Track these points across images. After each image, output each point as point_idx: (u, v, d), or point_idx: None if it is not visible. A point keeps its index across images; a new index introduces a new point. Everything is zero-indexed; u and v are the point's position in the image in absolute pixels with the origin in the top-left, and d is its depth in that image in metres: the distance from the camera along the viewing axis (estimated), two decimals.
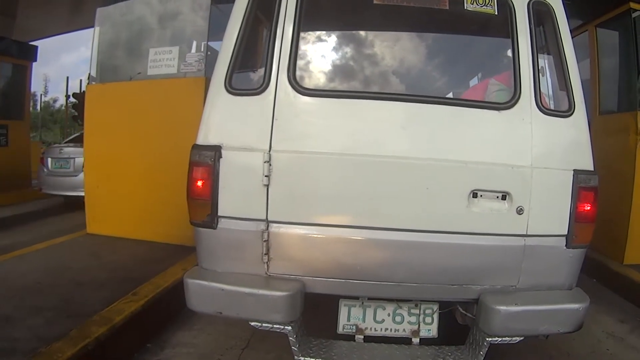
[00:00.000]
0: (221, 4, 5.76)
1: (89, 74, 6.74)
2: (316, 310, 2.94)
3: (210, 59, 5.73)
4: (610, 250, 5.75)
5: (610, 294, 5.23)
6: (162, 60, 5.83)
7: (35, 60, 11.03)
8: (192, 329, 4.01)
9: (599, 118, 6.19)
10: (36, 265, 4.78)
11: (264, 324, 2.67)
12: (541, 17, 2.92)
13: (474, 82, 3.55)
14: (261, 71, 2.79)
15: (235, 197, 2.70)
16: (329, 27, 3.28)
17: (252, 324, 2.69)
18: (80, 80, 15.65)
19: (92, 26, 6.57)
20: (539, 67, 2.81)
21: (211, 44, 5.90)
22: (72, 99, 14.53)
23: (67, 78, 18.98)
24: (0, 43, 10.02)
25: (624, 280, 5.24)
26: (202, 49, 5.83)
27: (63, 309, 3.63)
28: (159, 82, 5.79)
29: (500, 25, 2.90)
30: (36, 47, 11.32)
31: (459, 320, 3.07)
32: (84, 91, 10.21)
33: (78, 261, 4.99)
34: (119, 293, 3.92)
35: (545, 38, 3.00)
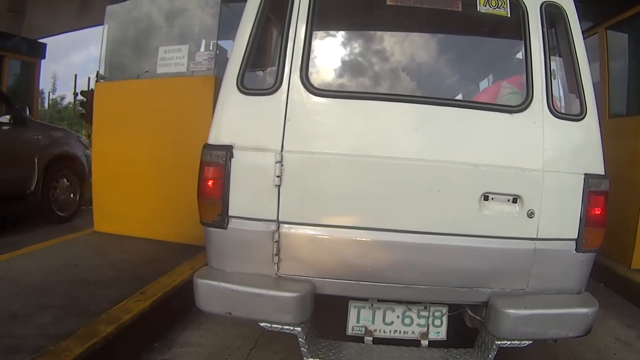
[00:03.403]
0: (231, 2, 5.76)
1: (98, 71, 6.74)
2: (325, 312, 2.93)
3: (220, 57, 5.73)
4: (618, 255, 5.71)
5: (617, 299, 5.21)
6: (172, 58, 5.82)
7: (44, 58, 11.09)
8: (199, 329, 4.01)
9: (609, 121, 6.16)
10: (43, 263, 4.78)
11: (273, 325, 2.67)
12: (553, 19, 2.91)
13: (485, 84, 3.54)
14: (273, 71, 2.80)
15: (246, 197, 2.70)
16: (341, 27, 3.29)
17: (262, 324, 2.69)
18: (89, 78, 15.66)
19: (101, 24, 6.58)
20: (551, 70, 2.80)
21: (220, 42, 5.91)
22: (80, 97, 14.51)
23: (76, 76, 18.93)
24: (9, 41, 10.06)
25: (632, 285, 5.21)
26: (212, 48, 5.82)
27: (70, 307, 3.61)
28: (168, 81, 5.78)
29: (513, 28, 2.90)
30: (45, 45, 11.38)
31: (467, 323, 3.08)
32: (92, 89, 10.21)
33: (85, 259, 4.99)
34: (127, 292, 3.91)
35: (557, 40, 2.99)
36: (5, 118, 6.48)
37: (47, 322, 3.33)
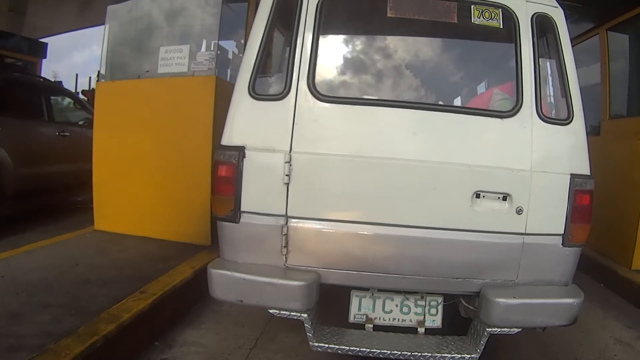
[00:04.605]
0: (232, 2, 5.82)
1: (99, 71, 6.79)
2: (329, 301, 3.16)
3: (221, 57, 5.80)
4: (618, 256, 5.82)
5: (618, 299, 5.34)
6: (173, 58, 5.89)
7: (45, 57, 11.15)
8: (199, 328, 4.15)
9: (609, 122, 6.25)
10: (43, 262, 4.82)
11: (281, 312, 2.96)
12: (543, 29, 3.18)
13: (479, 90, 3.73)
14: (282, 77, 3.07)
15: (257, 194, 2.98)
16: (345, 37, 3.59)
17: (271, 311, 2.98)
18: (90, 78, 15.72)
19: (102, 24, 6.63)
20: (541, 78, 3.07)
21: (221, 42, 5.98)
22: (81, 96, 14.52)
23: (77, 75, 18.96)
24: (10, 40, 10.10)
25: (632, 286, 5.36)
26: (213, 48, 5.88)
27: (70, 306, 3.68)
28: (169, 80, 5.87)
29: (505, 38, 3.18)
30: (46, 44, 11.47)
31: (461, 313, 3.36)
32: (93, 88, 10.25)
33: (85, 258, 5.02)
34: (127, 291, 4.00)
35: (547, 48, 3.25)
36: (83, 120, 8.39)
37: (47, 320, 3.40)
